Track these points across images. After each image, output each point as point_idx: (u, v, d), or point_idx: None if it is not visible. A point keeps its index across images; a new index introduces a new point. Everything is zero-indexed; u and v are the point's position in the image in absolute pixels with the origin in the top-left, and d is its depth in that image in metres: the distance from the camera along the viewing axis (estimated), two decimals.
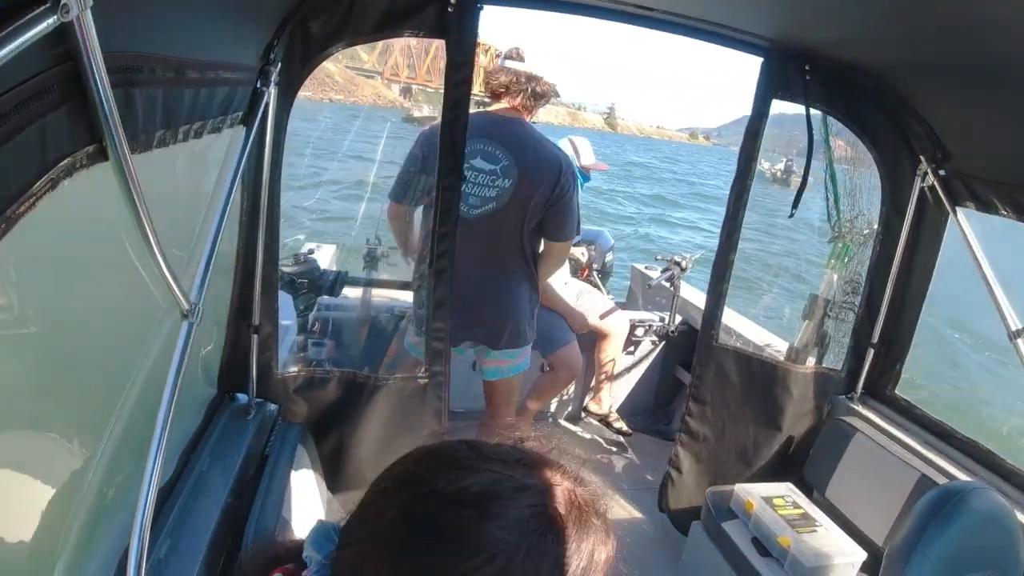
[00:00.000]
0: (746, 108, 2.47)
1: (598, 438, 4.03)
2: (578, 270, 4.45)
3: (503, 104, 2.62)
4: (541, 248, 2.74)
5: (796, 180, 2.50)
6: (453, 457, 0.67)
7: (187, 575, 1.42)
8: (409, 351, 2.68)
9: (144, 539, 1.15)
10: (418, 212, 2.59)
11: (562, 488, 0.65)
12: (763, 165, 2.44)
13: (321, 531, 0.68)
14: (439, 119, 2.12)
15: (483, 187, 2.54)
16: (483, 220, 2.55)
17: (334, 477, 2.34)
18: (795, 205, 2.48)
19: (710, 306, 2.64)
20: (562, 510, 0.63)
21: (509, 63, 2.61)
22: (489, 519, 0.60)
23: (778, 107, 2.41)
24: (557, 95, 2.75)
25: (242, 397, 2.13)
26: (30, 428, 1.02)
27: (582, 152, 3.78)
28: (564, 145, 3.70)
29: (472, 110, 2.13)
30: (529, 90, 2.59)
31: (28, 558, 1.05)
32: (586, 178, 3.79)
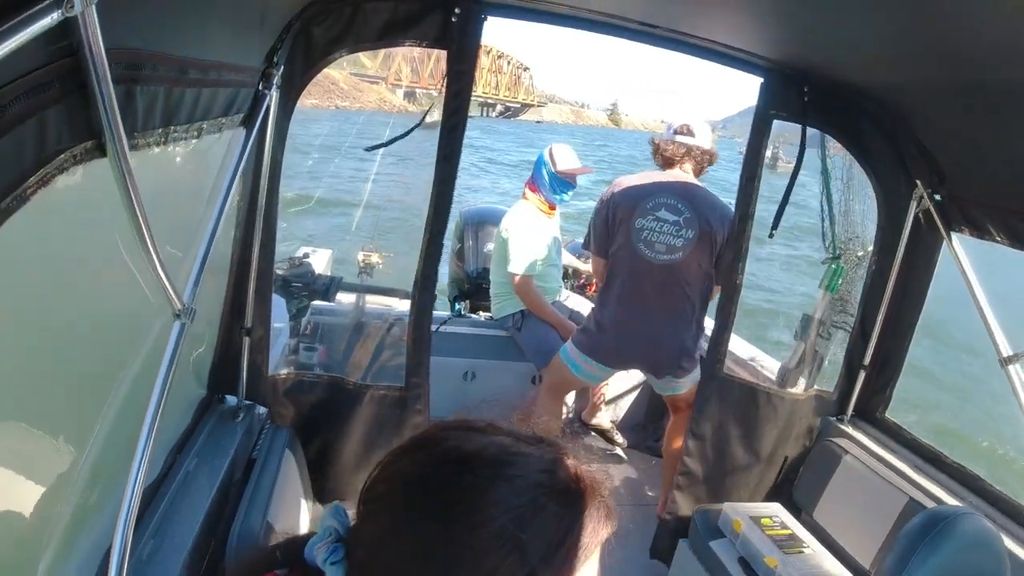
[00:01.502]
0: (750, 100, 2.46)
1: (590, 452, 3.99)
2: (587, 285, 4.46)
3: (676, 170, 2.97)
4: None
5: (783, 166, 2.51)
6: (469, 425, 0.69)
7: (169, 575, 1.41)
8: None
9: (127, 539, 1.14)
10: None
11: (571, 463, 0.68)
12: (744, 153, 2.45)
13: (335, 509, 0.69)
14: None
15: (670, 236, 2.84)
16: (667, 267, 2.87)
17: (320, 483, 2.33)
18: (775, 225, 2.50)
19: (716, 333, 2.59)
20: (570, 482, 0.65)
21: (680, 138, 2.98)
22: (504, 480, 0.62)
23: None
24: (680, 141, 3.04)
25: (231, 399, 2.12)
26: (16, 424, 1.02)
27: (558, 159, 3.65)
28: (545, 153, 3.68)
29: (473, 112, 2.15)
30: (704, 160, 3.00)
31: (10, 555, 1.04)
32: (567, 185, 3.67)
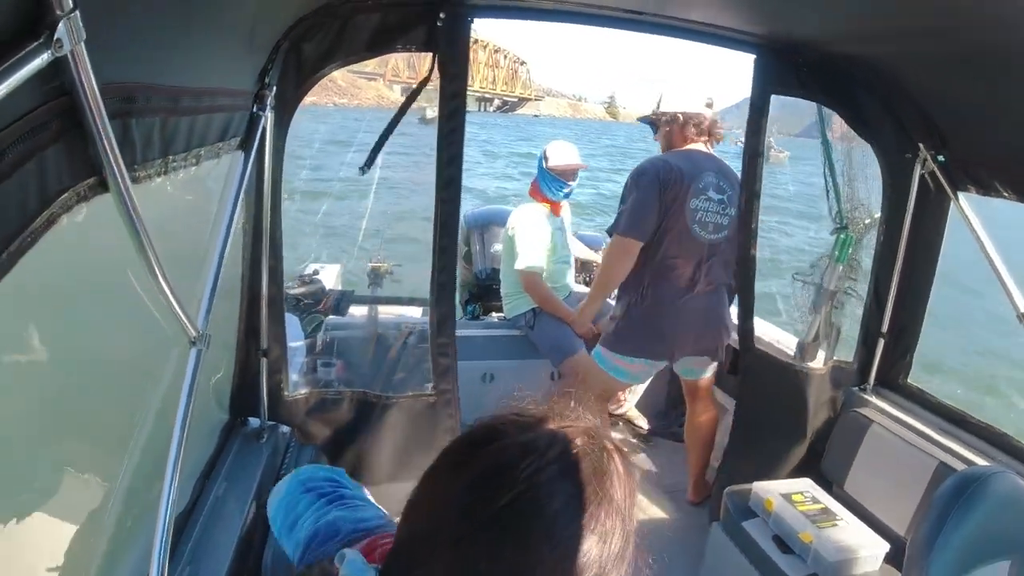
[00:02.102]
0: (747, 91, 2.46)
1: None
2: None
3: (700, 145, 2.93)
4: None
5: (774, 155, 2.51)
6: (497, 420, 0.69)
7: None
8: None
9: (163, 567, 1.15)
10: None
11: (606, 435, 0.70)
12: (742, 144, 2.45)
13: (352, 564, 0.70)
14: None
15: (717, 215, 2.82)
16: (714, 246, 2.85)
17: None
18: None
19: (744, 312, 2.61)
20: (610, 461, 0.68)
21: (708, 111, 2.93)
22: (547, 469, 0.63)
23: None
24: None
25: (254, 421, 2.13)
26: (44, 460, 1.03)
27: (551, 155, 3.63)
28: (543, 151, 3.69)
29: (470, 107, 2.15)
30: (718, 136, 2.98)
31: None
32: (560, 183, 3.62)
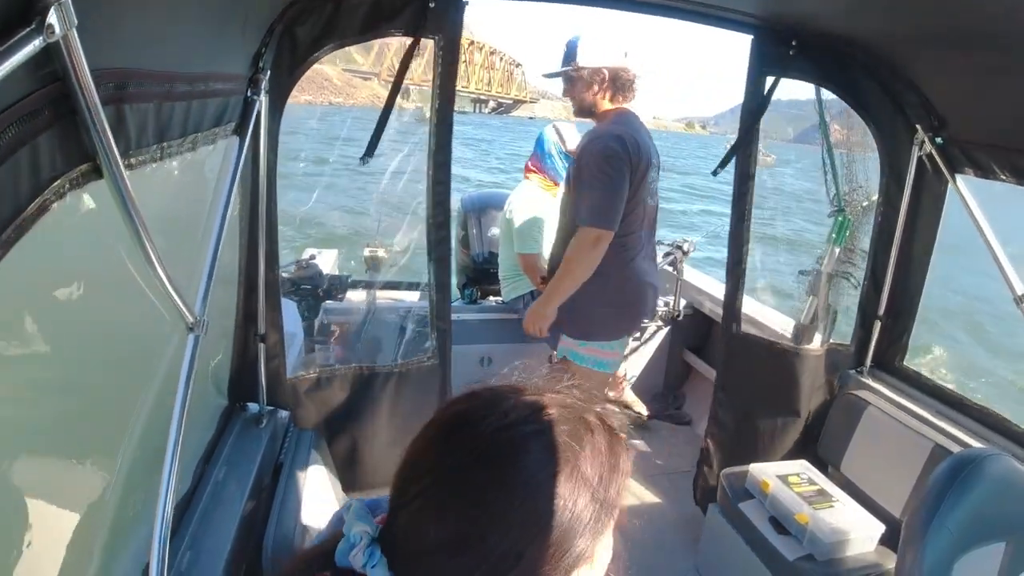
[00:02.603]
0: (742, 97, 2.44)
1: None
2: None
3: (626, 105, 2.73)
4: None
5: (761, 159, 2.50)
6: (488, 392, 0.72)
7: None
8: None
9: (164, 552, 1.15)
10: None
11: (591, 411, 0.72)
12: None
13: (357, 511, 0.70)
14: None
15: (655, 182, 2.75)
16: (656, 208, 2.82)
17: (350, 478, 2.35)
18: (721, 165, 2.47)
19: (729, 293, 2.62)
20: (595, 430, 0.70)
21: (633, 67, 2.70)
22: (537, 436, 0.66)
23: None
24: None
25: (253, 406, 2.13)
26: (45, 448, 1.03)
27: (567, 138, 3.66)
28: (548, 132, 3.69)
29: (466, 108, 2.14)
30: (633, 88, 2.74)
31: None
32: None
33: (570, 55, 2.63)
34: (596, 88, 2.64)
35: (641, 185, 2.59)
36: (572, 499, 0.64)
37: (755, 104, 2.39)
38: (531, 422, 0.66)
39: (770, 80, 2.36)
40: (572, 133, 3.68)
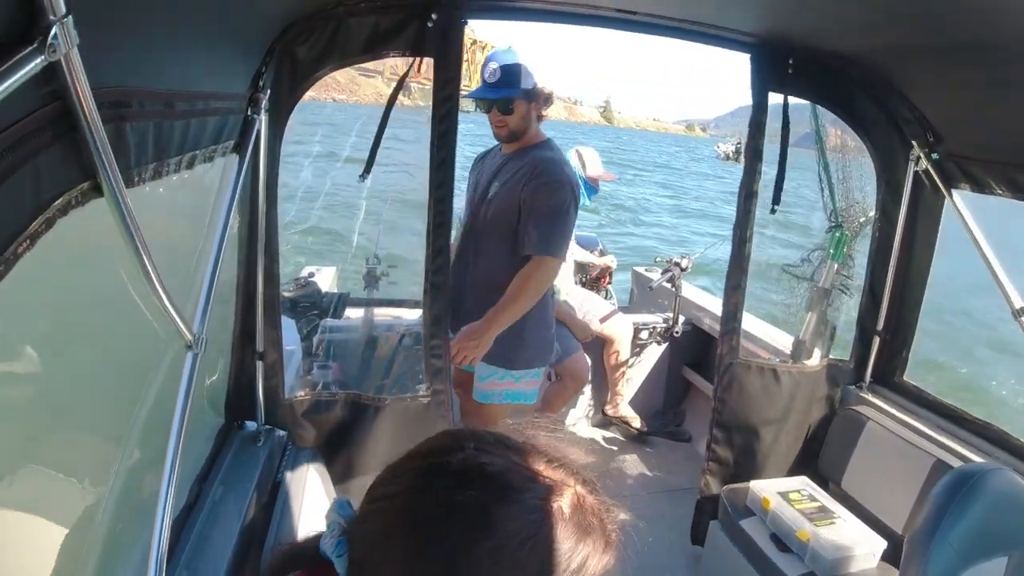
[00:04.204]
0: (742, 99, 2.46)
1: (613, 443, 4.02)
2: (600, 278, 4.49)
3: None
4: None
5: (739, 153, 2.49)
6: (474, 437, 0.70)
7: None
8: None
9: (161, 571, 1.14)
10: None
11: (572, 489, 0.67)
12: (718, 148, 2.44)
13: (339, 503, 0.71)
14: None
15: None
16: None
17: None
18: (775, 200, 2.42)
19: (726, 318, 2.55)
20: (567, 510, 0.65)
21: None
22: (503, 503, 0.62)
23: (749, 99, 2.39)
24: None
25: (251, 424, 2.12)
26: (41, 465, 1.02)
27: (588, 163, 3.79)
28: (571, 156, 3.73)
29: (467, 107, 2.15)
30: None
31: None
32: (592, 190, 3.79)
33: (513, 77, 2.50)
34: (533, 111, 2.57)
35: None
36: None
37: (761, 118, 2.38)
38: (521, 491, 0.64)
39: (771, 96, 2.37)
40: (592, 158, 3.80)
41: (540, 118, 2.61)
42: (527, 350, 2.66)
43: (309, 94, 1.99)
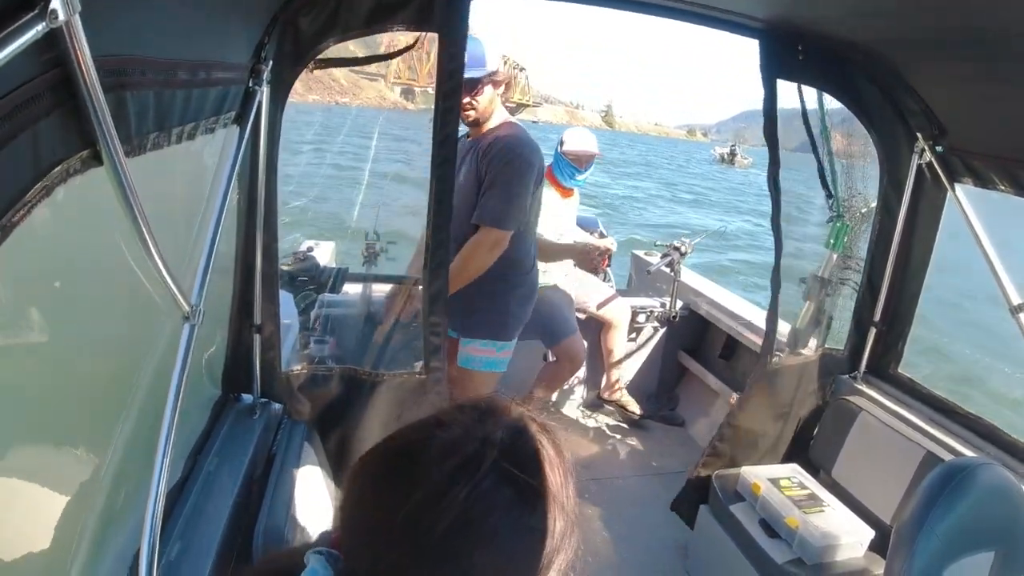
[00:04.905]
0: (744, 105, 2.45)
1: (606, 426, 4.05)
2: (600, 259, 4.48)
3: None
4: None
5: (739, 161, 2.47)
6: (438, 421, 0.71)
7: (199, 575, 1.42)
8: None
9: (155, 541, 1.15)
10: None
11: (526, 427, 0.70)
12: (714, 151, 2.41)
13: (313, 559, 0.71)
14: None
15: None
16: None
17: (342, 471, 2.35)
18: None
19: (770, 326, 2.51)
20: (526, 451, 0.68)
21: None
22: (456, 469, 0.64)
23: (754, 104, 2.35)
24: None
25: (247, 397, 2.13)
26: (36, 436, 1.03)
27: (566, 139, 3.66)
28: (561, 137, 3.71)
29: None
30: None
31: (40, 564, 1.05)
32: (573, 168, 3.62)
33: (478, 60, 2.53)
34: (497, 95, 2.64)
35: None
36: (554, 528, 0.66)
37: (773, 106, 2.32)
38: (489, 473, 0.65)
39: (780, 83, 2.34)
40: (576, 136, 3.66)
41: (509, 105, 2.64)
42: (511, 321, 2.76)
43: (312, 97, 1.96)
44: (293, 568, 0.70)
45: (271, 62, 1.77)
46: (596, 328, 3.93)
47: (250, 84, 1.69)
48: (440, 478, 0.64)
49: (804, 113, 2.39)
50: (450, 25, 1.98)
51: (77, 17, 0.68)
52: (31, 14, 0.62)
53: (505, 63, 2.64)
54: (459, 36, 1.99)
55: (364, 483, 0.71)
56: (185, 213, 1.57)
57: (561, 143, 3.65)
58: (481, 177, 2.54)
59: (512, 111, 2.70)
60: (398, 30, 2.00)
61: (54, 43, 0.69)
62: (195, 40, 1.25)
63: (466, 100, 2.53)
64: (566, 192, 3.72)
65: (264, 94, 1.76)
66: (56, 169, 0.77)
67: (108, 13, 0.82)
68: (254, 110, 1.71)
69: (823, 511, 2.35)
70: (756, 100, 2.31)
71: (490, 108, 2.62)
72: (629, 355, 4.20)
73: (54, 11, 0.64)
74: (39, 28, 0.63)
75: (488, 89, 2.58)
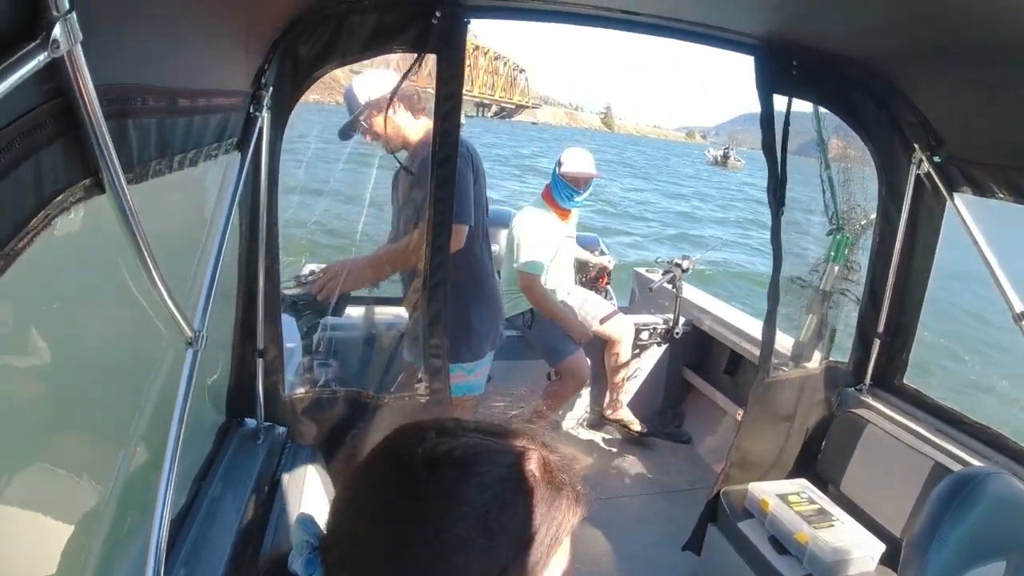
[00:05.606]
0: (743, 108, 2.45)
1: (611, 443, 4.02)
2: (599, 278, 4.49)
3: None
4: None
5: (732, 163, 2.47)
6: (436, 426, 0.71)
7: None
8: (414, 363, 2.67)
9: (160, 567, 1.14)
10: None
11: (536, 452, 0.69)
12: (708, 153, 2.41)
13: (303, 522, 0.71)
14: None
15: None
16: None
17: None
18: (781, 202, 2.36)
19: (767, 339, 2.50)
20: (536, 472, 0.67)
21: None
22: (467, 479, 0.64)
23: (751, 107, 2.36)
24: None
25: (250, 421, 2.12)
26: (41, 462, 1.02)
27: (565, 161, 3.64)
28: (559, 158, 3.71)
29: (469, 112, 2.13)
30: None
31: None
32: (572, 190, 3.62)
33: (350, 102, 2.59)
34: (394, 114, 2.56)
35: (479, 190, 2.62)
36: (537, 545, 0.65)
37: (770, 123, 2.34)
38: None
39: (776, 98, 2.35)
40: (574, 158, 3.65)
41: (418, 114, 2.62)
42: (474, 339, 2.71)
43: (313, 97, 1.98)
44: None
45: (271, 88, 1.79)
46: (599, 346, 3.93)
47: (251, 110, 1.71)
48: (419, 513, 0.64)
49: (786, 126, 2.38)
50: (448, 48, 2.00)
51: (79, 47, 0.68)
52: (33, 44, 0.63)
53: (505, 64, 2.65)
54: (456, 58, 2.02)
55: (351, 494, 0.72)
56: (187, 239, 1.58)
57: (559, 164, 3.65)
58: (425, 186, 2.44)
59: (512, 112, 2.71)
60: (396, 52, 2.02)
61: (56, 72, 0.69)
62: (196, 68, 1.26)
63: (367, 140, 2.60)
64: (564, 213, 3.73)
65: (265, 120, 1.77)
66: (58, 197, 0.78)
67: (110, 42, 0.83)
68: (255, 136, 1.73)
69: (833, 526, 2.33)
70: (754, 103, 2.32)
71: (401, 131, 2.60)
72: (633, 373, 4.19)
73: (56, 41, 0.64)
74: (41, 58, 0.64)
75: (378, 120, 2.53)
